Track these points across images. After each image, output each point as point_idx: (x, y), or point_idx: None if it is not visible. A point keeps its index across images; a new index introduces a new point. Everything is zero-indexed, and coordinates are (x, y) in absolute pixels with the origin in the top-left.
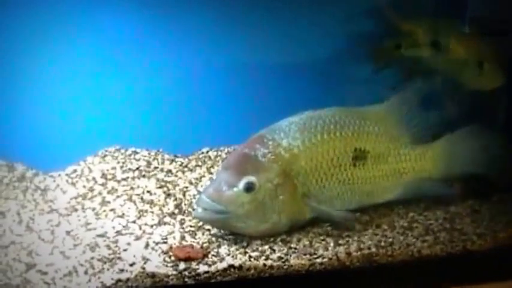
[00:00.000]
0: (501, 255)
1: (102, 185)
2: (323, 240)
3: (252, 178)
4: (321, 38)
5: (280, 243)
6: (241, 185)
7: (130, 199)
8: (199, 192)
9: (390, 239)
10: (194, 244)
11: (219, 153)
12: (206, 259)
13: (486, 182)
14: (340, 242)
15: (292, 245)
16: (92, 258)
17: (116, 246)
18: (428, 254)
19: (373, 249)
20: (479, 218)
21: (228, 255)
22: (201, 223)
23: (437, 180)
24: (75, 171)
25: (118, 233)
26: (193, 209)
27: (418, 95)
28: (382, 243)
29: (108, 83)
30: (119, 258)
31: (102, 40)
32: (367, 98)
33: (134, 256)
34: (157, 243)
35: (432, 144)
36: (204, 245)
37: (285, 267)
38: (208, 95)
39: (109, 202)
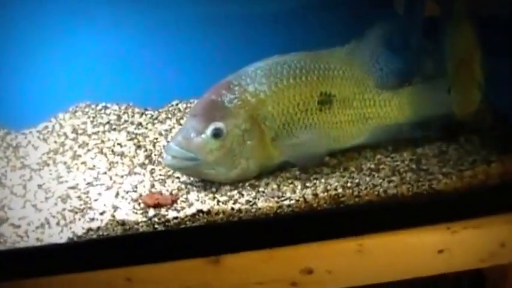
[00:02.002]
0: (467, 193)
1: (73, 139)
2: (291, 183)
3: (219, 124)
4: None
5: (248, 187)
6: (209, 131)
7: (101, 152)
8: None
9: (357, 180)
10: (163, 191)
11: (189, 105)
12: (175, 205)
13: (454, 123)
14: (308, 184)
15: (260, 189)
16: (64, 209)
17: (87, 197)
18: (394, 193)
19: (340, 190)
20: (446, 158)
21: (197, 200)
22: (171, 172)
23: (404, 125)
24: (46, 127)
25: (89, 184)
26: (162, 157)
27: (382, 39)
28: (349, 184)
29: (76, 38)
30: (90, 208)
31: None
32: (333, 42)
33: (105, 205)
34: (127, 192)
35: (399, 90)
36: (174, 192)
37: (253, 210)
38: (176, 48)
39: (80, 156)
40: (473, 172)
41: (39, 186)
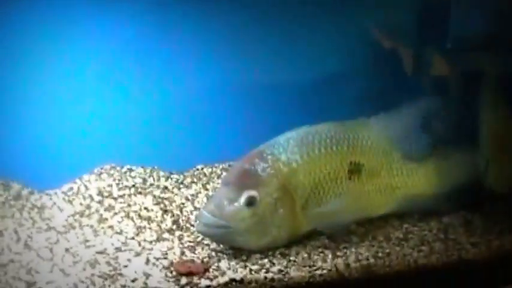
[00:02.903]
0: (495, 262)
1: (99, 202)
2: (321, 252)
3: (252, 192)
4: (310, 56)
5: (279, 256)
6: (243, 199)
7: (127, 216)
8: (196, 208)
9: (387, 250)
10: (195, 259)
11: (214, 169)
12: (207, 274)
13: (477, 192)
14: (338, 253)
15: (291, 258)
16: (93, 274)
17: (116, 262)
18: (425, 263)
19: (371, 260)
20: (472, 228)
21: (229, 269)
22: (200, 238)
23: (430, 195)
24: (71, 189)
25: (117, 249)
26: (195, 225)
27: (412, 114)
28: (380, 254)
29: (101, 101)
30: (120, 274)
31: (99, 58)
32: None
33: (135, 272)
34: (157, 259)
35: (425, 160)
36: (204, 259)
37: (286, 279)
38: (200, 112)
39: (107, 219)
40: (500, 242)
41: (67, 250)
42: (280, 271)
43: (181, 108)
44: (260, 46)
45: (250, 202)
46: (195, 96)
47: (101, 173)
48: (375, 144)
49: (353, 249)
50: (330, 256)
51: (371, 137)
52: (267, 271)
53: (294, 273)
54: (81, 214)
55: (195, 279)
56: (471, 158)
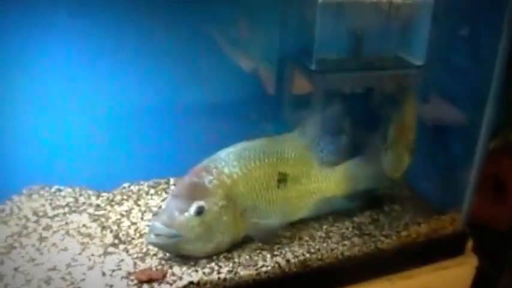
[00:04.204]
0: (406, 249)
1: (36, 222)
2: (259, 253)
3: (201, 202)
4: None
5: (223, 260)
6: (192, 209)
7: (68, 234)
8: (133, 223)
9: (317, 247)
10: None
11: (140, 187)
12: (166, 279)
13: (378, 196)
14: (276, 253)
15: (235, 260)
16: None
17: (72, 277)
18: (349, 254)
19: (307, 255)
20: (379, 224)
21: (183, 274)
22: (145, 249)
23: (341, 198)
24: (3, 210)
25: (68, 265)
26: (145, 237)
27: (326, 121)
28: (312, 250)
29: (23, 122)
30: None
31: (21, 78)
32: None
33: (95, 284)
34: (113, 271)
35: (335, 167)
36: (158, 267)
37: (237, 278)
38: (124, 132)
39: (47, 238)
40: (407, 232)
41: (15, 269)
42: (229, 271)
43: (104, 128)
44: (182, 67)
45: (199, 211)
46: (115, 116)
47: (31, 194)
48: (298, 155)
49: (287, 249)
50: (268, 256)
51: (294, 149)
52: (219, 272)
53: (242, 272)
54: (19, 234)
55: (156, 285)
56: (375, 163)
